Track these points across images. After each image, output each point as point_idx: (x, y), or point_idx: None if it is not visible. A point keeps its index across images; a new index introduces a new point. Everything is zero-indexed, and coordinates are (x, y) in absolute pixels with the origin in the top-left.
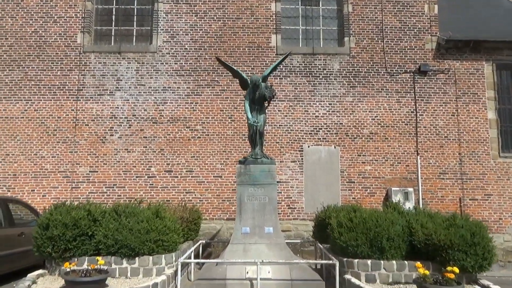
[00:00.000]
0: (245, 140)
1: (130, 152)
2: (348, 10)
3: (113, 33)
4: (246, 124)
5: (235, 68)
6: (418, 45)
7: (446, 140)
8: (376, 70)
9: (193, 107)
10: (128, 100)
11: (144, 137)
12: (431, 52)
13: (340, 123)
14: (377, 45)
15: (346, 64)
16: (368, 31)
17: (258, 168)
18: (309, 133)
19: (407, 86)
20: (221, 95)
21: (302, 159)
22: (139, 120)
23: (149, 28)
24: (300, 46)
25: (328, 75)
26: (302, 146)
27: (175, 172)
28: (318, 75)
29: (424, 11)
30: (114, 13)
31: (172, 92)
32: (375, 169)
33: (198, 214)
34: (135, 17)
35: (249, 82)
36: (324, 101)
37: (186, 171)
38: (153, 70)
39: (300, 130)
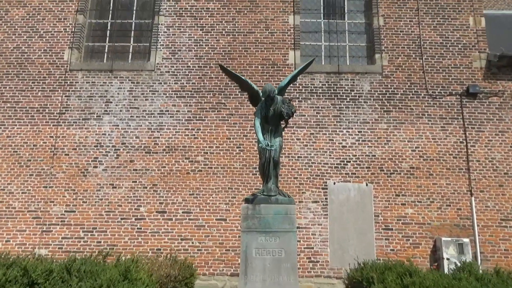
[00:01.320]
0: (256, 174)
1: (116, 188)
2: (378, 24)
3: (106, 50)
4: (257, 150)
5: (243, 77)
6: (464, 63)
7: (506, 177)
8: (415, 91)
9: (194, 134)
10: (118, 125)
11: (134, 169)
12: (480, 71)
13: (372, 155)
14: (415, 62)
15: (378, 85)
16: (404, 47)
17: (271, 209)
18: (335, 167)
19: (454, 111)
20: (228, 120)
21: (326, 199)
22: (129, 149)
23: (148, 44)
24: (323, 63)
25: (357, 97)
26: (326, 182)
27: (169, 213)
28: (344, 97)
29: (469, 24)
30: (109, 28)
31: (170, 116)
32: (419, 213)
33: (191, 271)
34: (132, 32)
35: (261, 94)
36: (352, 128)
37: (182, 212)
38: (149, 91)
39: (324, 163)
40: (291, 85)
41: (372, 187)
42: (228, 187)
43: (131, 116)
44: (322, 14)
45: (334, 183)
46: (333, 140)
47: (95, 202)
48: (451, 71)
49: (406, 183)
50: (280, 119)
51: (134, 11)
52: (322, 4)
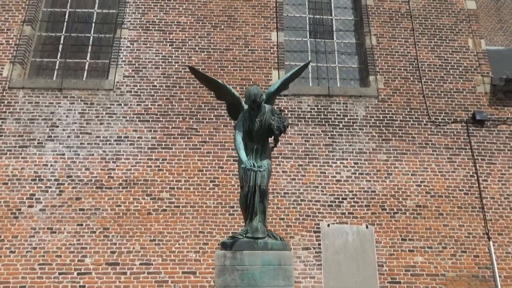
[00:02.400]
0: (234, 215)
1: (55, 233)
2: (371, 43)
3: (57, 66)
4: (234, 185)
5: (219, 81)
6: (467, 87)
7: None
8: (415, 118)
9: (158, 166)
10: (64, 154)
11: (80, 209)
12: (485, 96)
13: (372, 191)
14: (414, 86)
15: (375, 110)
16: (400, 69)
17: (258, 259)
18: (329, 205)
19: (460, 140)
20: (200, 148)
21: (319, 244)
22: (75, 184)
23: (107, 61)
24: (311, 85)
25: (351, 123)
26: (318, 224)
27: (123, 265)
28: (337, 123)
29: (468, 46)
30: (62, 42)
31: (130, 144)
32: (430, 262)
33: None
34: (89, 47)
35: (243, 101)
36: (347, 159)
37: (140, 264)
38: (106, 113)
39: (316, 201)
40: (280, 95)
41: (374, 229)
42: (199, 230)
43: (81, 143)
44: (308, 32)
45: (329, 225)
46: (325, 173)
47: (27, 252)
48: (454, 95)
49: (413, 224)
50: (269, 135)
51: (94, 24)
52: (307, 22)
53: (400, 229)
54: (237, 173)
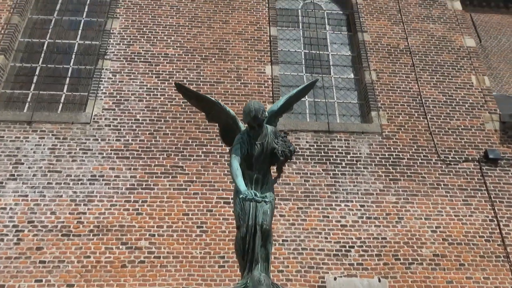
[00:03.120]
0: (224, 266)
1: None
2: (371, 79)
3: (29, 99)
4: (225, 231)
5: (211, 98)
6: (475, 124)
7: None
8: (424, 156)
9: (137, 209)
10: (27, 195)
11: (41, 261)
12: (496, 134)
13: (382, 238)
14: (419, 122)
15: (379, 147)
16: (403, 105)
17: None
18: (334, 255)
19: (474, 181)
20: (186, 189)
21: None
22: (38, 231)
23: (86, 93)
24: (308, 120)
25: (354, 161)
26: (323, 277)
27: None
28: (339, 161)
29: (472, 83)
30: (37, 73)
31: (105, 184)
32: None
33: None
34: (67, 78)
35: (239, 121)
36: (352, 201)
37: None
38: (80, 149)
39: (319, 249)
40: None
41: (388, 284)
42: (183, 286)
43: (48, 183)
44: (304, 67)
45: (335, 279)
46: (328, 217)
47: None
48: (462, 133)
49: (432, 277)
50: (271, 162)
51: (74, 55)
52: (303, 56)
53: (418, 283)
54: (228, 217)
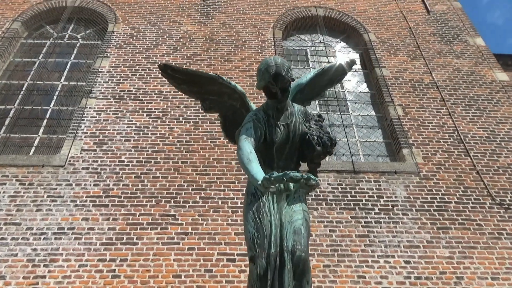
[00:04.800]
0: None
1: None
2: (397, 114)
3: None
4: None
5: (211, 73)
6: None
7: None
8: (475, 199)
9: (114, 270)
10: None
11: None
12: None
13: None
14: (461, 160)
15: (418, 189)
16: (439, 141)
17: None
18: None
19: None
20: (179, 243)
21: None
22: None
23: (64, 136)
24: (327, 159)
25: (390, 207)
26: None
27: None
28: (370, 207)
29: None
30: (10, 115)
31: (75, 238)
32: None
33: None
34: (45, 120)
35: (249, 101)
36: (394, 256)
37: None
38: (47, 196)
39: None
40: None
41: None
42: None
43: (1, 238)
44: (317, 105)
45: None
46: (365, 277)
47: None
48: None
49: None
50: (301, 156)
51: (56, 96)
52: None
53: None
54: (233, 278)
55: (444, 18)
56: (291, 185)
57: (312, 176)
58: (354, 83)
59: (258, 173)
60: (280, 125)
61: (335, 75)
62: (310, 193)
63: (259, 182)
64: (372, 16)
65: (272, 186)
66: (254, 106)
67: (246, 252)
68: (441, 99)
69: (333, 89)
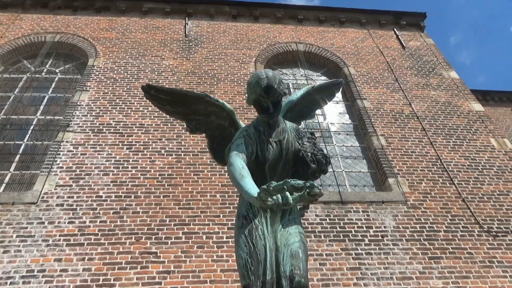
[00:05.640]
0: None
1: None
2: (381, 144)
3: None
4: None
5: (197, 92)
6: (510, 189)
7: None
8: (463, 227)
9: None
10: None
11: None
12: None
13: None
14: (447, 189)
15: (407, 219)
16: (423, 170)
17: None
18: None
19: None
20: (161, 283)
21: None
22: None
23: (38, 171)
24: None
25: (380, 237)
26: None
27: None
28: (360, 238)
29: (493, 146)
30: None
31: (46, 281)
32: None
33: None
34: (17, 156)
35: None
36: None
37: None
38: (16, 236)
39: None
40: None
41: None
42: None
43: None
44: None
45: None
46: None
47: None
48: (500, 199)
49: None
50: (295, 174)
51: (30, 131)
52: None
53: None
54: None
55: (419, 53)
56: (290, 198)
57: (315, 184)
58: (336, 115)
59: (253, 188)
60: (272, 141)
61: (326, 94)
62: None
63: (255, 196)
64: (351, 51)
65: (270, 199)
66: (243, 125)
67: None
68: (422, 129)
69: (317, 121)
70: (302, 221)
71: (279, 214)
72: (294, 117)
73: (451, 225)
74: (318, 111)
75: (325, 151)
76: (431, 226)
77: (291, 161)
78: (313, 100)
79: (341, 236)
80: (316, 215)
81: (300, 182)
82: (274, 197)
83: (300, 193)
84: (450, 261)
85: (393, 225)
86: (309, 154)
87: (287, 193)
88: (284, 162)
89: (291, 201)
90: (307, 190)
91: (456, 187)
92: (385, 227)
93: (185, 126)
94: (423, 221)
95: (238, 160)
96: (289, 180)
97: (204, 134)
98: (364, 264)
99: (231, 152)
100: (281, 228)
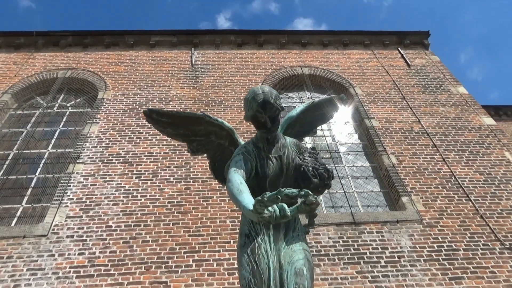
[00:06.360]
0: None
1: None
2: (392, 162)
3: None
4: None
5: (197, 113)
6: None
7: None
8: (483, 245)
9: None
10: None
11: None
12: None
13: None
14: (463, 205)
15: (423, 238)
16: (437, 187)
17: None
18: None
19: None
20: None
21: None
22: None
23: (49, 204)
24: (325, 212)
25: (397, 258)
26: None
27: None
28: (376, 260)
29: (508, 159)
30: None
31: None
32: None
33: None
34: (29, 189)
35: (237, 136)
36: None
37: None
38: (27, 270)
39: None
40: None
41: None
42: None
43: None
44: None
45: None
46: None
47: None
48: None
49: None
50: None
51: (42, 164)
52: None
53: None
54: None
55: (425, 71)
56: (288, 210)
57: (310, 192)
58: (345, 135)
59: (250, 202)
60: (272, 157)
61: (327, 110)
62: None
63: (251, 209)
64: (356, 72)
65: (267, 212)
66: (242, 142)
67: None
68: (433, 146)
69: (325, 142)
70: (315, 244)
71: (282, 232)
72: (296, 133)
73: (471, 243)
74: (326, 133)
75: (327, 166)
76: (449, 245)
77: (292, 176)
78: (315, 116)
79: (356, 258)
80: (329, 238)
81: (294, 190)
82: (271, 209)
83: (297, 205)
84: (472, 281)
85: (410, 245)
86: (311, 168)
87: (285, 205)
88: (286, 178)
89: (289, 213)
90: (303, 198)
91: (473, 203)
92: (401, 247)
93: (187, 148)
94: (440, 240)
95: (236, 176)
96: (282, 189)
97: (206, 155)
98: (381, 287)
99: (230, 168)
100: (284, 246)
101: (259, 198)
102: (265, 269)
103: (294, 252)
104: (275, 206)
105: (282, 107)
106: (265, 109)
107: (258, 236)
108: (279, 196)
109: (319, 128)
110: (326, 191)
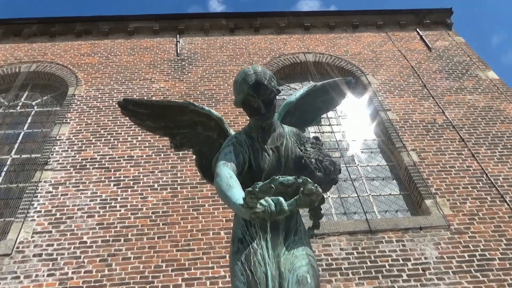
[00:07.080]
0: None
1: None
2: (412, 160)
3: None
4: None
5: (180, 101)
6: None
7: None
8: None
9: None
10: None
11: None
12: None
13: None
14: (497, 208)
15: (452, 247)
16: (466, 187)
17: None
18: None
19: None
20: None
21: None
22: None
23: (12, 218)
24: (336, 220)
25: (421, 271)
26: None
27: None
28: (397, 273)
29: None
30: None
31: None
32: None
33: None
34: None
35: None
36: None
37: None
38: None
39: None
40: None
41: None
42: None
43: None
44: None
45: None
46: None
47: None
48: None
49: None
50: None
51: (4, 172)
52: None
53: None
54: None
55: (448, 54)
56: (285, 204)
57: (309, 180)
58: (358, 130)
59: (241, 197)
60: (268, 149)
61: (331, 95)
62: (319, 264)
63: (241, 203)
64: (368, 58)
65: (260, 206)
66: (233, 132)
67: None
68: (460, 140)
69: (334, 139)
70: (324, 257)
71: (282, 235)
72: (295, 122)
73: (507, 251)
74: (335, 128)
75: (333, 158)
76: (482, 254)
77: (292, 170)
78: (317, 102)
79: (373, 272)
80: (341, 249)
81: (290, 177)
82: (265, 203)
83: (296, 197)
84: None
85: (436, 255)
86: (313, 160)
87: (281, 199)
88: (284, 172)
89: (286, 207)
90: (300, 186)
91: (508, 205)
92: (426, 258)
93: (169, 143)
94: (472, 248)
95: (226, 170)
96: (276, 177)
97: (191, 151)
98: None
99: (219, 161)
100: (285, 251)
101: (250, 189)
102: (262, 279)
103: (296, 258)
104: (269, 199)
105: (278, 90)
106: (258, 92)
107: (254, 241)
108: (272, 185)
109: (326, 122)
110: (337, 195)
